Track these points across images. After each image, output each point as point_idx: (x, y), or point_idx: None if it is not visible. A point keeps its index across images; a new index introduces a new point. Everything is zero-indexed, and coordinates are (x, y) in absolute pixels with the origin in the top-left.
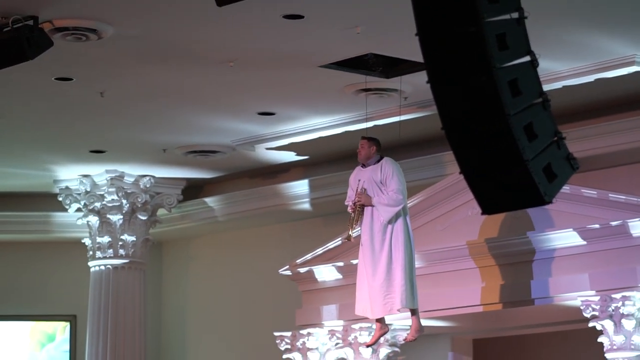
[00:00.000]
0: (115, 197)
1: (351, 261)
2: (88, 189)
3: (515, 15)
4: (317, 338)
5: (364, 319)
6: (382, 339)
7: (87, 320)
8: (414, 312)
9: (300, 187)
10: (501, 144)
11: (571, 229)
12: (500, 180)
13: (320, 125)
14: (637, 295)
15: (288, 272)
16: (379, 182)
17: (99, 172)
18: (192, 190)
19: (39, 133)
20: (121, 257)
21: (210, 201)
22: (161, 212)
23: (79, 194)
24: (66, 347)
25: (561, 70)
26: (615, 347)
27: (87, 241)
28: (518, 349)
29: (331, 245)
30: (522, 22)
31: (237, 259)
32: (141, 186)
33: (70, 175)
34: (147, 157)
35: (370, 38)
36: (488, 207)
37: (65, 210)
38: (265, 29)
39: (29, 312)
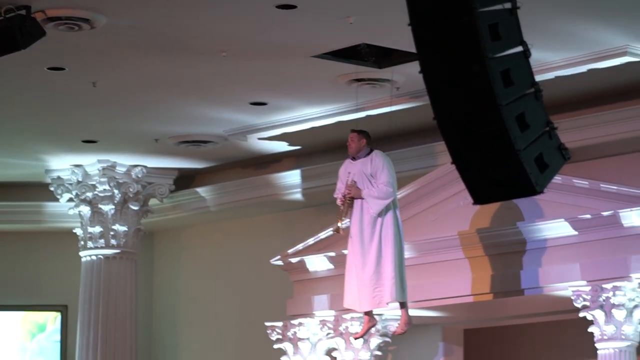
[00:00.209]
0: (107, 187)
1: (343, 251)
2: (80, 179)
3: (507, 5)
4: (308, 328)
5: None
6: (373, 329)
7: (78, 310)
8: (403, 305)
9: (292, 177)
10: (493, 134)
11: (562, 219)
12: (491, 171)
13: (313, 116)
14: (628, 285)
15: (280, 262)
16: (369, 174)
17: (91, 162)
18: (184, 180)
19: (31, 123)
20: (113, 247)
21: (202, 191)
22: (153, 202)
23: (71, 184)
24: (57, 337)
25: (553, 60)
26: (605, 337)
27: (78, 231)
28: (509, 339)
29: (323, 235)
30: (515, 12)
31: (228, 249)
32: (133, 176)
33: (62, 165)
34: (139, 147)
35: (362, 28)
36: (480, 197)
37: (57, 200)
38: (258, 19)
39: (20, 302)
